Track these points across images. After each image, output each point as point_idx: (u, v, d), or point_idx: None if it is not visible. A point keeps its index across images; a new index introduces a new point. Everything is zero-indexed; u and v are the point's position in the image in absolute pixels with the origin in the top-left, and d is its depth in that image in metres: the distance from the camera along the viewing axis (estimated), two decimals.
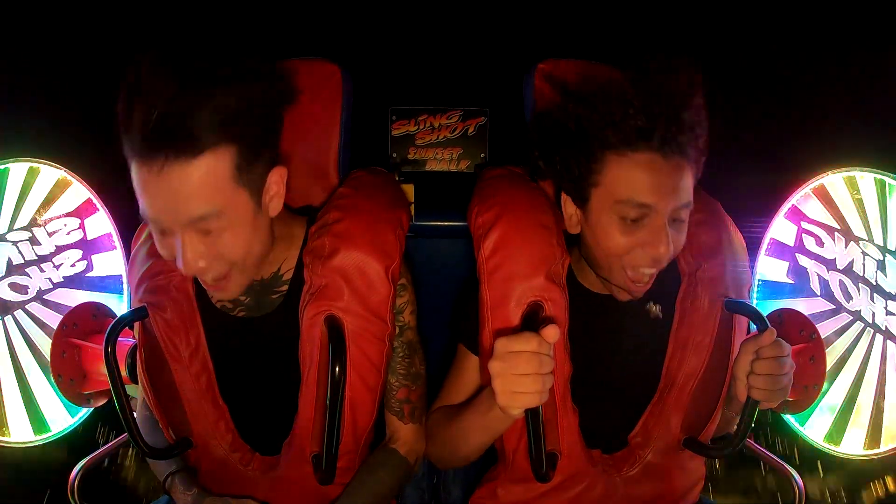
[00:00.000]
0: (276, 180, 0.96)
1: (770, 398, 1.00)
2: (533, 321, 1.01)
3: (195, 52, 0.86)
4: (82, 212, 1.46)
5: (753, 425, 1.02)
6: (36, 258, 1.41)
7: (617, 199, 0.97)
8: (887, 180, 1.33)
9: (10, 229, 1.39)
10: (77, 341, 1.34)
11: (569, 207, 1.06)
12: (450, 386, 1.17)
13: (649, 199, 0.95)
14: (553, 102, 1.06)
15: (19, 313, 1.40)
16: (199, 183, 0.85)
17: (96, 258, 1.48)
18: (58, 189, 1.43)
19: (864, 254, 1.34)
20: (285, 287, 1.08)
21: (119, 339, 1.07)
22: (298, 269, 1.08)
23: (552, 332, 0.87)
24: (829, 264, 1.38)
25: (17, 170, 1.41)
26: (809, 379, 1.28)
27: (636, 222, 0.97)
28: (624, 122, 0.95)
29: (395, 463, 1.11)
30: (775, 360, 0.97)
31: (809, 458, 1.41)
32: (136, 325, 1.12)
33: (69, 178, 1.45)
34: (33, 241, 1.40)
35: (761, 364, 0.98)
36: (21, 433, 1.38)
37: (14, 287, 1.40)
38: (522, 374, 0.85)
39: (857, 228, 1.36)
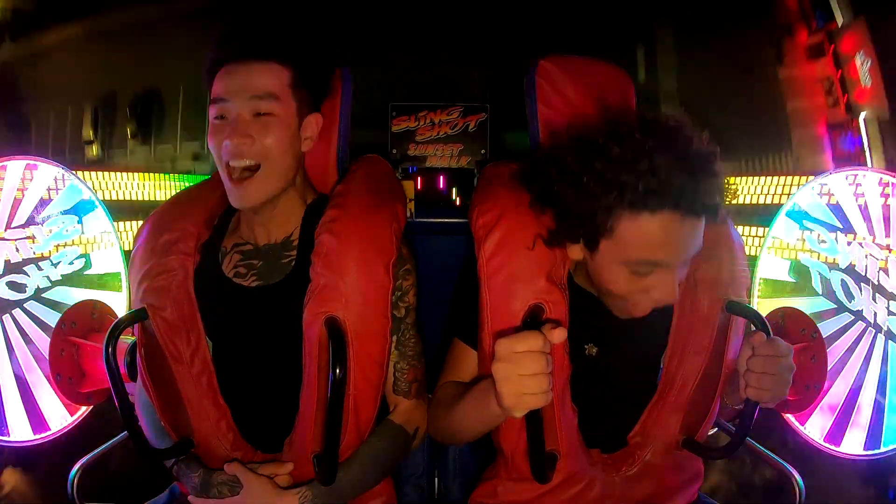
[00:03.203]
0: (313, 121, 1.14)
1: (762, 396, 0.99)
2: (534, 322, 1.01)
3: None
4: (80, 209, 1.46)
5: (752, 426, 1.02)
6: (34, 256, 1.41)
7: (628, 257, 0.95)
8: (890, 179, 1.33)
9: (8, 227, 1.38)
10: (76, 340, 1.34)
11: (573, 251, 1.04)
12: (447, 377, 1.16)
13: (662, 256, 0.94)
14: (563, 144, 1.00)
15: (18, 312, 1.40)
16: (267, 72, 1.08)
17: (94, 256, 1.47)
18: (56, 187, 1.43)
19: (867, 253, 1.34)
20: (294, 252, 1.12)
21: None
22: (303, 233, 1.13)
23: (559, 334, 0.85)
24: (831, 264, 1.38)
25: (15, 167, 1.41)
26: (810, 378, 1.28)
27: (645, 274, 0.96)
28: (644, 183, 0.90)
29: (395, 435, 1.13)
30: (767, 358, 0.97)
31: (809, 458, 1.41)
32: (136, 325, 1.11)
33: (67, 175, 1.44)
34: (31, 239, 1.40)
35: (755, 361, 0.98)
36: (20, 432, 1.38)
37: (12, 285, 1.39)
38: (529, 375, 0.83)
39: (860, 228, 1.35)
